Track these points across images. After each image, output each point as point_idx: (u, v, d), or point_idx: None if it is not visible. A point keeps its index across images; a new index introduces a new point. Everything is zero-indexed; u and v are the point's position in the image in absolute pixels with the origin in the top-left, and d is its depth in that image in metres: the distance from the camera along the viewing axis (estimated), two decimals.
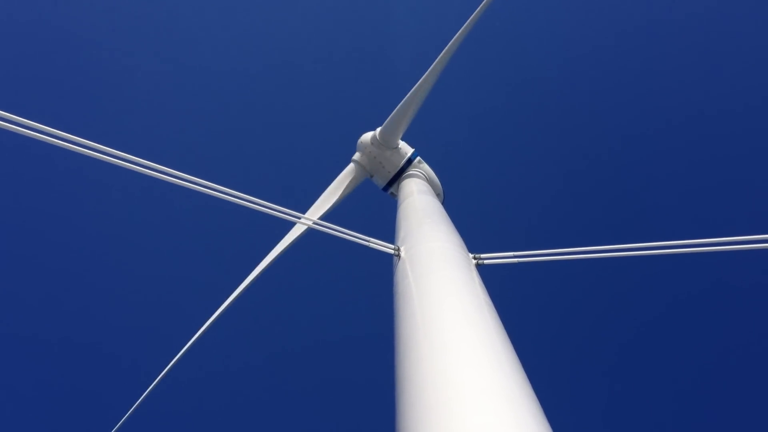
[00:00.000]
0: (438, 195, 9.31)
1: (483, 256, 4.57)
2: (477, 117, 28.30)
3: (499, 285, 4.56)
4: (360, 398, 23.48)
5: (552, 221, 26.22)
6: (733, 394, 22.06)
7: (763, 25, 24.64)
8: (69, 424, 22.44)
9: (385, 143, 9.21)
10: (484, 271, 4.39)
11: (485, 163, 27.76)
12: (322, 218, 8.47)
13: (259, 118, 28.13)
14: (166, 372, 8.69)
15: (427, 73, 8.48)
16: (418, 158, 9.47)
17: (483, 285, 3.87)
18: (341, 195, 9.37)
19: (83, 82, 25.18)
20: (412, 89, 8.66)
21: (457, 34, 8.19)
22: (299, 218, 5.36)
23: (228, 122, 27.68)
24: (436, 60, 8.37)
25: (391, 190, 9.41)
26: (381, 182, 9.47)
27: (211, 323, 8.26)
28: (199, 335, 8.24)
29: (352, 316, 25.97)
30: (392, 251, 4.62)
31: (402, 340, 3.08)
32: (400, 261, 4.34)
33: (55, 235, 24.02)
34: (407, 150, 9.43)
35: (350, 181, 9.40)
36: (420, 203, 6.40)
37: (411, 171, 9.26)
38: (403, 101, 8.74)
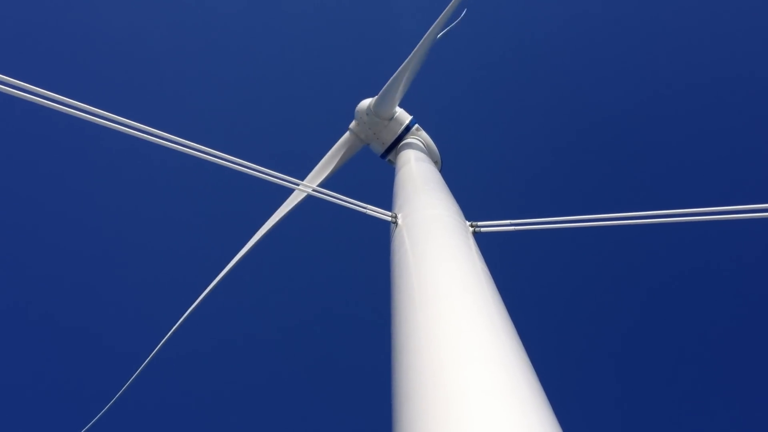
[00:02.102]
0: (436, 162, 9.27)
1: (480, 223, 4.57)
2: (475, 84, 28.05)
3: (496, 253, 4.56)
4: (357, 365, 23.77)
5: (551, 189, 26.22)
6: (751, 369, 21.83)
7: None
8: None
9: (379, 115, 9.12)
10: (481, 238, 4.40)
11: (483, 131, 27.61)
12: (319, 185, 8.43)
13: (258, 82, 27.79)
14: (157, 350, 8.74)
15: (422, 40, 8.29)
16: (416, 126, 9.41)
17: (480, 252, 3.88)
18: (338, 163, 9.32)
19: (59, 39, 24.50)
20: (407, 58, 8.50)
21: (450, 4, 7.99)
22: (297, 185, 5.32)
23: (225, 86, 27.36)
24: (430, 28, 8.18)
25: (389, 157, 9.37)
26: (379, 149, 9.43)
27: (209, 291, 8.25)
28: (196, 305, 8.24)
29: (349, 282, 26.14)
30: (389, 218, 4.61)
31: (398, 307, 3.09)
32: (397, 228, 4.34)
33: (33, 201, 23.64)
34: (405, 117, 9.37)
35: (346, 150, 9.37)
36: (418, 171, 6.38)
37: (409, 138, 9.21)
38: (397, 71, 8.58)
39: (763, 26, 24.27)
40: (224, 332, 24.00)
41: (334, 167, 9.30)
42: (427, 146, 9.22)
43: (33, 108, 3.78)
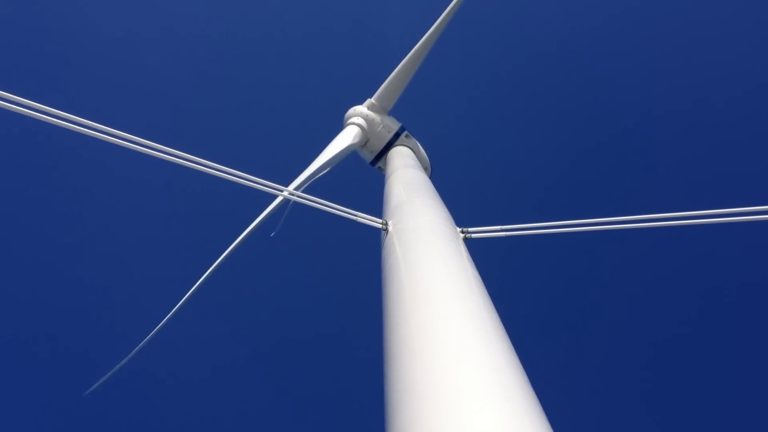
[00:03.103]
0: (425, 169, 9.28)
1: (471, 230, 4.56)
2: (465, 91, 28.18)
3: (487, 259, 4.55)
4: (349, 372, 23.67)
5: (541, 195, 26.33)
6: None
7: None
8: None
9: (382, 107, 9.32)
10: (471, 244, 4.39)
11: (473, 137, 27.71)
12: (309, 187, 8.33)
13: (247, 87, 27.72)
14: (130, 356, 8.69)
15: (422, 39, 8.53)
16: (406, 132, 9.45)
17: (471, 259, 3.87)
18: (334, 159, 9.13)
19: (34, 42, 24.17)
20: (407, 57, 8.70)
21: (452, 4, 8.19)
22: (290, 193, 5.29)
23: (209, 91, 27.23)
24: (432, 27, 8.38)
25: (379, 164, 9.38)
26: (368, 157, 9.45)
27: (185, 301, 8.10)
28: (173, 314, 8.12)
29: (340, 289, 26.04)
30: (380, 225, 4.59)
31: (390, 314, 3.08)
32: (388, 235, 4.33)
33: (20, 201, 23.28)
34: (394, 125, 9.41)
35: (347, 146, 9.16)
36: (407, 177, 6.38)
37: (398, 145, 9.23)
38: (398, 67, 8.79)
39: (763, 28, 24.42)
40: (217, 337, 23.83)
41: (332, 159, 9.13)
42: (416, 153, 9.24)
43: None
